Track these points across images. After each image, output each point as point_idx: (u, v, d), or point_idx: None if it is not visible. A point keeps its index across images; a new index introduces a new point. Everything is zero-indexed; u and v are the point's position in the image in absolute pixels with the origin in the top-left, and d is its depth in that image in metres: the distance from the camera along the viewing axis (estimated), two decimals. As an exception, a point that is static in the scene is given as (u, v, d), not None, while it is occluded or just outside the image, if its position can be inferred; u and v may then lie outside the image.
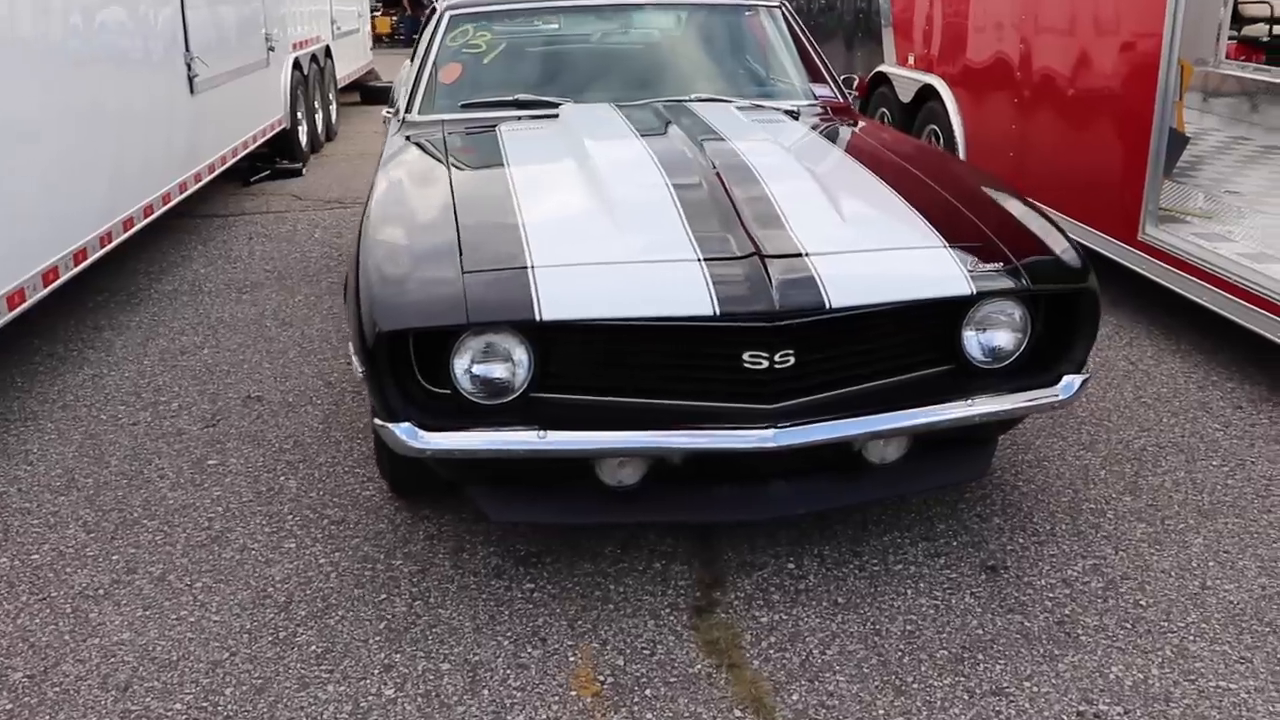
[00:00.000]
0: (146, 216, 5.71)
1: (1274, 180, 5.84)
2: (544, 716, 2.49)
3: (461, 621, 2.84)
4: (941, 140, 6.75)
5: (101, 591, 3.00)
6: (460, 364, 2.68)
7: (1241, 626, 2.78)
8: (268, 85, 8.59)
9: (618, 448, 2.72)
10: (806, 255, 2.79)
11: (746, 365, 2.68)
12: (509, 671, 2.65)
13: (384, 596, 2.95)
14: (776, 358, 2.67)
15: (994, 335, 2.90)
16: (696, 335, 2.70)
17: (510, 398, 2.72)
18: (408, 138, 4.08)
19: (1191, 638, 2.74)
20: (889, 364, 2.89)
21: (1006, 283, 2.85)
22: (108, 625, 2.85)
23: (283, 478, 3.63)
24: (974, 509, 3.36)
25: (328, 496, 3.49)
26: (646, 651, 2.71)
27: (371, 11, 15.89)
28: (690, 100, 4.28)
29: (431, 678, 2.63)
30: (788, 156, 3.49)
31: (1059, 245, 3.04)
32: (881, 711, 2.49)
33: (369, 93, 13.15)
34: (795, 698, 2.54)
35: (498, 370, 2.70)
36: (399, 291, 2.73)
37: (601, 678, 2.62)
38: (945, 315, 2.88)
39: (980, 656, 2.68)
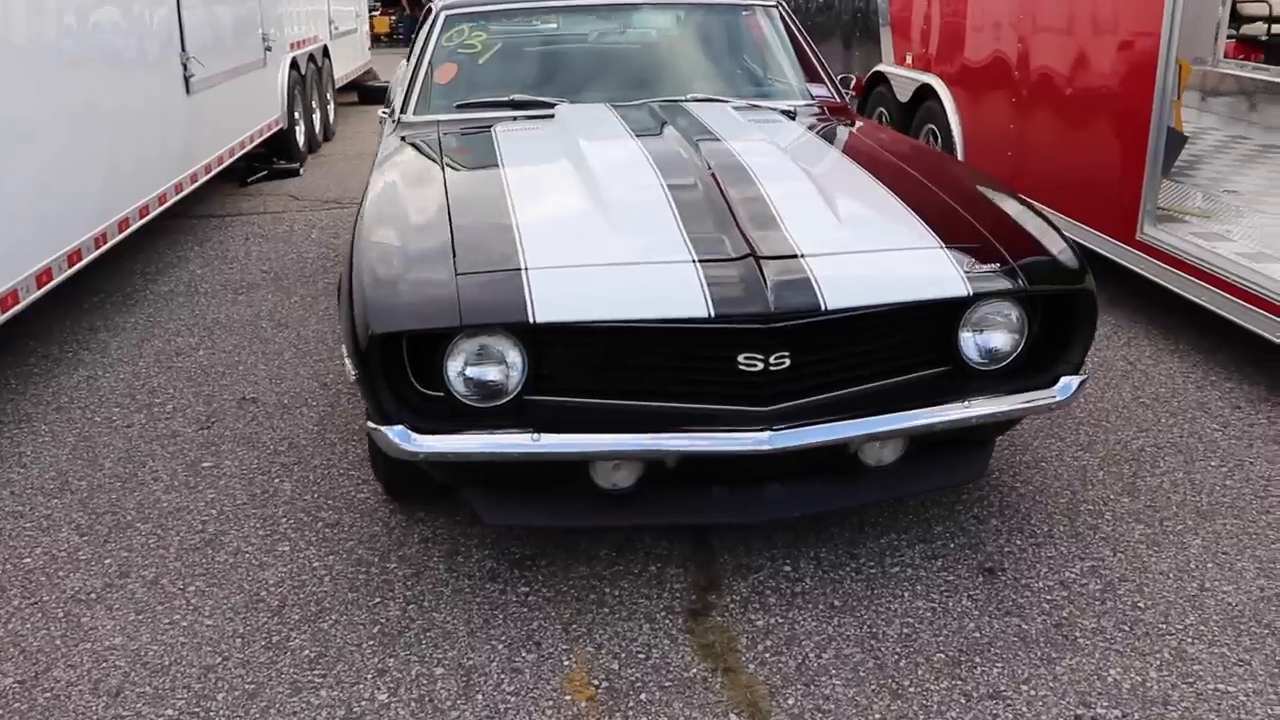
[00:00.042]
0: (142, 217, 5.70)
1: (1272, 179, 5.83)
2: (538, 721, 2.48)
3: (456, 625, 2.82)
4: (939, 140, 6.74)
5: (94, 595, 2.98)
6: (454, 366, 2.67)
7: (1240, 628, 2.77)
8: (265, 85, 8.58)
9: (612, 450, 2.71)
10: (802, 256, 2.77)
11: (742, 367, 2.66)
12: (503, 676, 2.63)
13: (378, 600, 2.94)
14: (772, 359, 2.65)
15: (991, 336, 2.89)
16: (691, 337, 2.69)
17: (504, 400, 2.71)
18: (403, 138, 4.07)
19: (1190, 640, 2.73)
20: (885, 366, 2.87)
21: (1003, 284, 2.84)
22: (100, 630, 2.83)
23: (277, 480, 3.62)
24: (971, 511, 3.34)
25: (322, 499, 3.48)
26: (641, 655, 2.70)
27: (370, 11, 15.88)
28: (686, 100, 4.26)
29: (425, 682, 2.61)
30: (784, 157, 3.47)
31: (1056, 246, 3.03)
32: (878, 715, 2.48)
33: (367, 93, 13.17)
34: (791, 701, 2.53)
35: (491, 373, 2.68)
36: (392, 293, 2.72)
37: (596, 682, 2.61)
38: (942, 316, 2.86)
39: (977, 659, 2.66)
